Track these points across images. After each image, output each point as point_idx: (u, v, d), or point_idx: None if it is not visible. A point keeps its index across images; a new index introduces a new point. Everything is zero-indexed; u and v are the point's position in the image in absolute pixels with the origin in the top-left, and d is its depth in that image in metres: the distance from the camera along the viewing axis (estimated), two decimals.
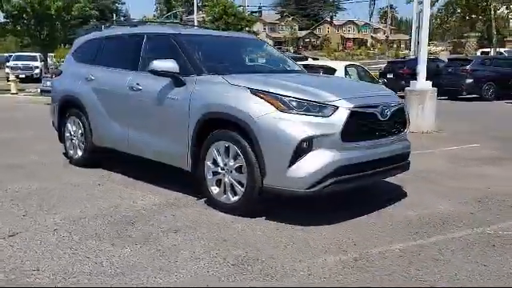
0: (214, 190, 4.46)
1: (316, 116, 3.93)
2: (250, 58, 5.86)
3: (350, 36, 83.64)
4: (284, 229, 3.96)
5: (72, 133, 6.35)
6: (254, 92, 4.12)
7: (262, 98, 4.06)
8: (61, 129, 6.58)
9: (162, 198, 4.84)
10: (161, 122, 4.94)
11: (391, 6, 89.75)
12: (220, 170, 4.38)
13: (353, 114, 3.97)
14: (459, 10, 27.52)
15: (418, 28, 14.38)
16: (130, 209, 4.50)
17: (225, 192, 4.37)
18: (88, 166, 6.18)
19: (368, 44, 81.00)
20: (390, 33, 77.90)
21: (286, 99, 3.99)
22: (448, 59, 21.23)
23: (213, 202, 4.47)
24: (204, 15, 42.39)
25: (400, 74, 18.92)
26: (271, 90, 4.08)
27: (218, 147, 4.37)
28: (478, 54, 32.75)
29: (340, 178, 3.95)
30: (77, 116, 6.20)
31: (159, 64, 4.71)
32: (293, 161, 3.86)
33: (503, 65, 18.68)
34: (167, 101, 4.81)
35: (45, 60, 27.95)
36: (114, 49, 5.94)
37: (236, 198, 4.26)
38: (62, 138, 6.63)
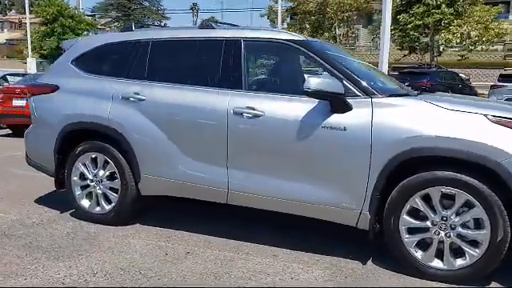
0: (416, 252, 3.33)
1: None
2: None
3: None
4: None
5: (90, 176, 4.37)
6: (499, 121, 3.14)
7: None
8: (60, 170, 4.50)
9: (316, 264, 3.51)
10: (308, 160, 3.56)
11: (212, 18, 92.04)
12: (430, 226, 3.27)
13: None
14: (309, 27, 29.11)
15: None
16: None
17: (439, 256, 3.27)
18: (116, 222, 4.32)
19: None
20: None
21: None
22: None
23: (416, 268, 3.33)
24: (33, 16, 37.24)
25: None
26: None
27: (428, 195, 3.25)
28: None
29: None
30: (103, 152, 4.28)
31: (318, 83, 3.37)
32: None
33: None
34: (321, 132, 3.48)
35: None
36: (178, 58, 4.19)
37: (464, 262, 3.21)
38: (62, 183, 4.54)
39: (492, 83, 23.33)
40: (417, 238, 3.33)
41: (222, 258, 3.66)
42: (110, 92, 4.23)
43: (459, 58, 30.16)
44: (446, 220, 3.22)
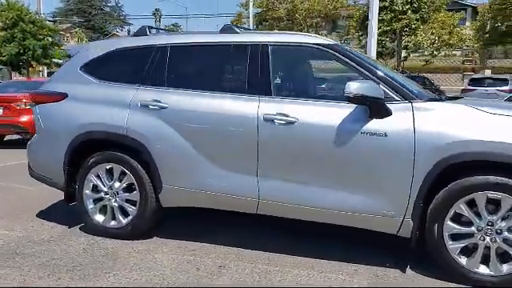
0: (460, 258, 3.28)
1: None
2: None
3: None
4: None
5: (104, 189, 4.13)
6: None
7: None
8: (70, 183, 4.24)
9: (356, 274, 3.42)
10: (346, 168, 3.46)
11: (176, 24, 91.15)
12: (475, 231, 3.22)
13: None
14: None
15: None
16: None
17: (485, 262, 3.23)
18: (134, 237, 4.10)
19: None
20: None
21: None
22: None
23: (461, 275, 3.28)
24: None
25: None
26: None
27: (473, 200, 3.21)
28: None
29: None
30: (119, 162, 4.05)
31: (359, 87, 3.29)
32: None
33: None
34: (360, 138, 3.38)
35: None
36: (201, 64, 4.03)
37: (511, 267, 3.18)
38: (72, 197, 4.29)
39: (452, 87, 24.11)
40: (461, 244, 3.27)
41: (257, 271, 3.51)
42: (126, 99, 4.01)
43: (424, 62, 30.94)
44: (492, 225, 3.18)
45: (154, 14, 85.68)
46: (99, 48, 4.39)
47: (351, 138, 3.41)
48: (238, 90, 3.82)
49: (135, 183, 4.01)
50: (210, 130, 3.79)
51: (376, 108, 3.36)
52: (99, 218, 4.18)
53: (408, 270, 3.52)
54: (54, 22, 47.66)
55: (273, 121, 3.59)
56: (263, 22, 31.56)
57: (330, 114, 3.50)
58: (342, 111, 3.47)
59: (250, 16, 25.84)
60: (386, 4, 26.48)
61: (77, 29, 65.97)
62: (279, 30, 29.58)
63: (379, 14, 26.77)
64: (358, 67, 3.58)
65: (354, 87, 3.28)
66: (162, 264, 3.62)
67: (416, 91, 3.63)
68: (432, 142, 3.23)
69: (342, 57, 3.65)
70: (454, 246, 3.28)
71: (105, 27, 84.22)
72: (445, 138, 3.21)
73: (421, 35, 25.94)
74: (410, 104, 3.38)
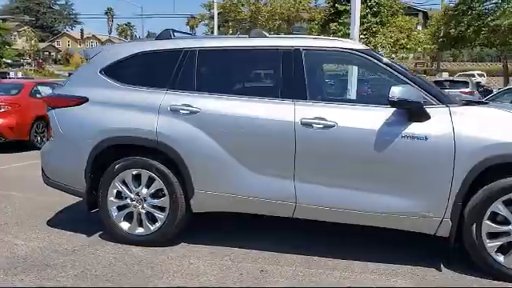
0: (498, 256, 3.43)
1: None
2: None
3: None
4: None
5: (131, 195, 4.02)
6: None
7: None
8: (93, 190, 4.11)
9: (396, 274, 3.50)
10: (386, 171, 3.54)
11: (128, 24, 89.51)
12: None
13: None
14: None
15: None
16: None
17: None
18: (162, 243, 4.03)
19: None
20: None
21: None
22: None
23: (499, 272, 3.42)
24: None
25: None
26: None
27: (510, 200, 3.36)
28: None
29: None
30: (148, 168, 3.96)
31: (402, 92, 3.38)
32: None
33: None
34: (400, 141, 3.47)
35: None
36: (231, 68, 4.01)
37: None
38: (93, 204, 4.15)
39: None
40: (498, 242, 3.42)
41: (299, 274, 3.53)
42: (154, 104, 3.93)
43: None
44: None
45: (107, 13, 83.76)
46: (120, 51, 4.26)
47: (392, 142, 3.49)
48: (271, 94, 3.83)
49: (165, 189, 3.94)
50: (245, 134, 3.77)
51: (416, 112, 3.46)
52: (124, 225, 4.07)
53: (443, 268, 3.64)
54: (4, 20, 45.71)
55: (311, 125, 3.62)
56: (225, 23, 31.59)
57: (368, 118, 3.57)
58: (381, 115, 3.55)
59: (215, 17, 25.70)
60: (347, 8, 27.04)
61: (25, 27, 63.43)
62: (242, 31, 29.70)
63: (340, 17, 27.51)
64: (394, 71, 3.67)
65: (398, 92, 3.36)
66: (201, 270, 3.57)
67: (449, 96, 3.76)
68: (471, 144, 3.36)
69: (375, 61, 3.73)
70: (491, 245, 3.42)
71: (54, 26, 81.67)
72: (483, 140, 3.35)
73: (380, 38, 26.61)
74: (447, 108, 3.50)
